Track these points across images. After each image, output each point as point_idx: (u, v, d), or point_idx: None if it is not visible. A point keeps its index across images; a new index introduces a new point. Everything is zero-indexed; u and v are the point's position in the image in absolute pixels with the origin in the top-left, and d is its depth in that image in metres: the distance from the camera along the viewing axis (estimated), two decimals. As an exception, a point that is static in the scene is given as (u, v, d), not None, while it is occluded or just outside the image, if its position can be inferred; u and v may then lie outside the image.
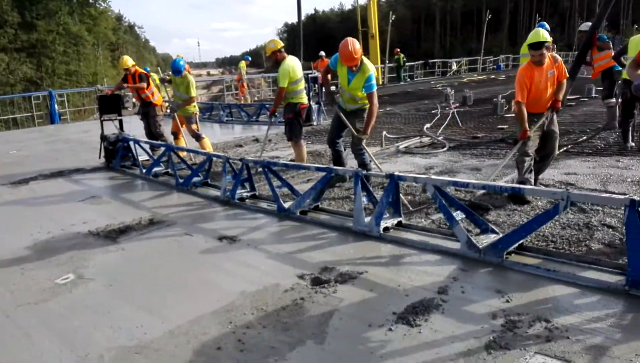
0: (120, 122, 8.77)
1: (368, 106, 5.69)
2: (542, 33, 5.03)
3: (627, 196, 3.03)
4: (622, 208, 3.06)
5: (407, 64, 29.71)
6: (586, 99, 13.78)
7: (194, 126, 8.26)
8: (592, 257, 3.51)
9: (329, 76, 6.12)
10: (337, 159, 6.14)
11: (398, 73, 28.53)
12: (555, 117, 5.40)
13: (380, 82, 28.25)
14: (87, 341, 2.91)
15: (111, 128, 8.54)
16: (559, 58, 5.32)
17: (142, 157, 7.96)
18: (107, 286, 3.68)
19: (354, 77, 5.52)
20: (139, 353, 2.75)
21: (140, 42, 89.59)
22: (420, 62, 34.06)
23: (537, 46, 4.99)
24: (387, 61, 27.78)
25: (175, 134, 8.61)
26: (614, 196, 3.35)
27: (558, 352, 2.47)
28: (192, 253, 4.25)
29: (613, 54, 8.68)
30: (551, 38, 5.17)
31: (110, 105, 8.68)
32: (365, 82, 5.41)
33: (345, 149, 6.22)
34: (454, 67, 34.41)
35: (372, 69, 5.49)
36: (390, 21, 26.18)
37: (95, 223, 5.16)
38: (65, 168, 8.32)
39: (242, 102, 18.71)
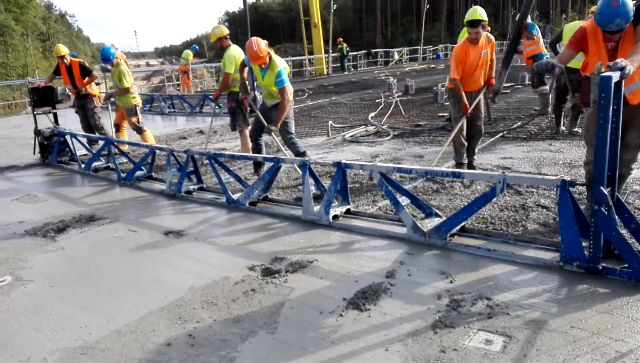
0: (55, 115, 8.34)
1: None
2: (479, 11, 5.31)
3: (559, 176, 3.22)
4: (555, 188, 3.24)
5: (350, 53, 29.94)
6: (520, 87, 14.42)
7: (134, 119, 7.94)
8: (528, 237, 3.72)
9: (247, 69, 6.21)
10: (259, 153, 6.16)
11: (342, 63, 28.72)
12: (482, 99, 5.74)
13: (325, 72, 28.40)
14: (28, 345, 2.78)
15: (45, 122, 8.12)
16: (493, 38, 5.65)
17: (80, 151, 7.64)
18: (48, 287, 3.52)
19: (265, 73, 5.71)
20: (84, 354, 2.67)
21: (73, 31, 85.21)
22: (363, 52, 34.42)
23: (475, 23, 5.27)
24: (331, 51, 27.89)
25: (118, 126, 8.27)
26: (546, 177, 3.55)
27: (499, 328, 2.61)
28: (137, 250, 4.14)
29: (540, 42, 9.21)
30: (487, 18, 5.46)
31: (44, 98, 8.22)
32: (276, 78, 5.60)
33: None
34: (396, 56, 35.02)
35: (281, 65, 5.66)
36: (332, 10, 26.27)
37: (32, 222, 4.92)
38: (-5, 166, 7.84)
39: (186, 93, 18.17)
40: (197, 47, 22.79)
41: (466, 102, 5.52)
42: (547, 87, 9.37)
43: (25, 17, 43.84)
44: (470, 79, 5.58)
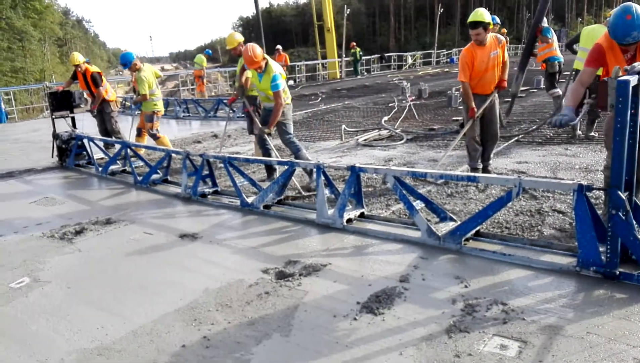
0: (73, 119, 8.48)
1: (287, 102, 6.04)
2: (481, 13, 5.29)
3: (575, 181, 3.19)
4: (571, 192, 3.21)
5: (363, 57, 29.95)
6: (535, 90, 14.29)
7: (149, 125, 8.02)
8: (544, 241, 3.68)
9: (246, 73, 6.61)
10: (265, 153, 6.22)
11: (355, 67, 28.73)
12: (496, 102, 5.67)
13: (338, 76, 28.44)
14: (46, 345, 2.83)
15: (63, 126, 8.25)
16: (503, 39, 5.58)
17: (98, 155, 7.75)
18: (65, 288, 3.57)
19: (262, 78, 5.90)
20: (101, 355, 2.70)
21: (89, 36, 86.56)
22: (377, 56, 34.40)
23: (474, 25, 5.28)
24: (344, 55, 27.92)
25: (140, 130, 8.37)
26: (563, 181, 3.52)
27: (515, 333, 2.59)
28: (152, 252, 4.18)
29: (553, 45, 9.16)
30: (499, 22, 5.42)
31: (62, 102, 8.37)
32: (271, 82, 5.77)
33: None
34: (409, 60, 34.97)
35: (276, 70, 5.82)
36: (346, 15, 26.32)
37: (50, 225, 4.99)
38: (15, 169, 7.98)
39: (200, 98, 18.29)
40: (210, 51, 22.85)
41: (474, 105, 5.47)
42: (559, 90, 9.32)
43: (42, 23, 44.55)
44: (481, 81, 5.51)
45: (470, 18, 5.33)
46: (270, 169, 6.30)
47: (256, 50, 5.77)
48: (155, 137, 8.05)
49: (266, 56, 5.90)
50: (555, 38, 9.46)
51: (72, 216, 5.27)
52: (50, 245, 4.48)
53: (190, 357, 2.62)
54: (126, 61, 7.99)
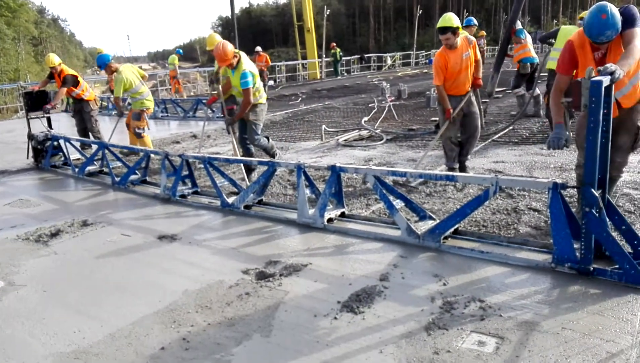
0: (49, 119, 8.33)
1: (260, 101, 6.18)
2: (449, 17, 5.40)
3: (550, 179, 3.26)
4: (546, 191, 3.28)
5: (343, 58, 30.03)
6: (510, 92, 14.48)
7: (135, 123, 7.87)
8: (521, 239, 3.75)
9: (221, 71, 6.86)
10: (249, 155, 6.39)
11: (335, 67, 28.78)
12: (473, 98, 5.80)
13: (318, 77, 28.46)
14: (21, 349, 2.77)
15: (39, 127, 8.09)
16: (473, 38, 5.75)
17: (74, 155, 7.62)
18: (40, 291, 3.50)
19: (234, 74, 6.06)
20: (78, 358, 2.66)
21: (65, 36, 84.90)
22: (356, 56, 34.53)
23: (443, 30, 5.40)
24: (324, 56, 27.96)
25: (129, 126, 8.19)
26: (538, 180, 3.59)
27: (492, 330, 2.63)
28: (130, 254, 4.13)
29: (527, 47, 9.52)
30: (476, 24, 5.57)
31: (38, 102, 8.22)
32: (241, 79, 5.92)
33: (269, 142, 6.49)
34: (389, 61, 35.17)
35: (247, 68, 5.95)
36: (326, 15, 26.37)
37: (25, 227, 4.89)
38: (-13, 170, 7.79)
39: (178, 98, 18.14)
40: (182, 50, 22.77)
41: (450, 106, 5.58)
42: (522, 89, 9.60)
43: (17, 22, 43.55)
44: (455, 82, 5.62)
45: (439, 24, 5.43)
46: (249, 169, 6.31)
47: (227, 47, 5.88)
48: (139, 135, 7.91)
49: (240, 53, 6.01)
50: (529, 39, 9.72)
51: (47, 218, 5.18)
52: (25, 247, 4.39)
53: (169, 359, 2.59)
54: (101, 63, 7.95)
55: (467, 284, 3.16)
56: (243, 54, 6.09)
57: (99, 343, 2.79)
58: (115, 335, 2.85)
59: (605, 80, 2.92)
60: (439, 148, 6.90)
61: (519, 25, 9.43)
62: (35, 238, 4.56)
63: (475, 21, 9.91)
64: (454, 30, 5.37)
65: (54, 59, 8.65)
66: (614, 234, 3.11)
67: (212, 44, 7.04)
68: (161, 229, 4.62)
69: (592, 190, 3.00)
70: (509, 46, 9.65)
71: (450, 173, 4.05)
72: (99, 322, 3.02)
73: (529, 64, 9.59)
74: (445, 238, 3.79)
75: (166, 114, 14.23)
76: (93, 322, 3.02)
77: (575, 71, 3.83)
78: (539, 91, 9.59)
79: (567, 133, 3.75)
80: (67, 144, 7.59)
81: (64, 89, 8.46)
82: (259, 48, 18.83)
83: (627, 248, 3.12)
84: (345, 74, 30.10)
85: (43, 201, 6.00)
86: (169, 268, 3.77)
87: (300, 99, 16.87)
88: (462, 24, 6.16)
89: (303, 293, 3.20)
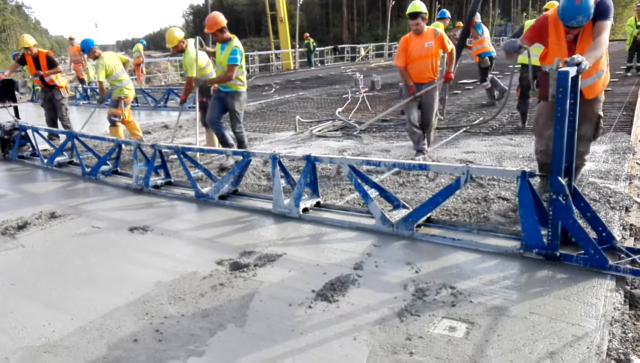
0: (16, 109, 8.09)
1: (242, 88, 6.24)
2: (418, 4, 5.87)
3: (519, 168, 3.34)
4: (515, 179, 3.36)
5: (317, 49, 29.95)
6: (480, 84, 14.71)
7: (112, 110, 7.56)
8: (491, 226, 3.83)
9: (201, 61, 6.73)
10: (222, 137, 6.38)
11: (309, 58, 28.73)
12: (433, 91, 6.18)
13: (292, 67, 28.33)
14: (-13, 345, 2.70)
15: (5, 116, 7.84)
16: (440, 31, 6.12)
17: (43, 146, 7.42)
18: (8, 285, 3.42)
19: (223, 49, 6.07)
20: (48, 352, 2.61)
21: (30, 23, 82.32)
22: (330, 47, 34.50)
23: (414, 15, 5.89)
24: (298, 46, 27.82)
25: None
26: (508, 168, 3.68)
27: (462, 315, 2.69)
28: (101, 246, 4.05)
29: (485, 42, 10.04)
30: (449, 16, 6.03)
31: (4, 91, 7.96)
32: (230, 54, 5.95)
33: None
34: (362, 52, 35.25)
35: (238, 45, 6.01)
36: (299, 5, 26.21)
37: (-11, 220, 4.75)
38: (-52, 162, 7.52)
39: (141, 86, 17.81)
40: (145, 42, 22.58)
41: (412, 84, 6.02)
42: (489, 83, 9.94)
43: (-22, 8, 42.01)
44: (415, 69, 6.03)
45: (409, 9, 5.89)
46: (225, 144, 6.35)
47: (220, 16, 5.95)
48: (113, 123, 7.60)
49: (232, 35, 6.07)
50: (487, 34, 10.19)
51: (14, 210, 5.03)
52: (-10, 241, 4.27)
53: (142, 351, 2.57)
54: (85, 47, 7.70)
55: (439, 271, 3.22)
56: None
57: (69, 336, 2.74)
58: (86, 328, 2.81)
59: (572, 70, 3.00)
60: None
61: (478, 19, 9.68)
62: (1, 231, 4.44)
63: (448, 14, 10.05)
64: (423, 16, 5.85)
65: (29, 39, 8.39)
66: (580, 221, 3.21)
67: (172, 41, 6.80)
68: (133, 220, 4.55)
69: (559, 178, 3.08)
70: (468, 38, 9.97)
71: (424, 163, 4.11)
72: (69, 315, 2.96)
73: (487, 57, 9.99)
74: (418, 226, 3.85)
75: (136, 104, 13.95)
76: (63, 315, 2.97)
77: (544, 51, 3.94)
78: (490, 84, 10.00)
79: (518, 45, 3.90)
80: (35, 134, 7.39)
81: (60, 67, 8.27)
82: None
83: (592, 234, 3.23)
84: (319, 64, 30.08)
85: (10, 192, 5.83)
86: (142, 260, 3.73)
87: (273, 89, 16.78)
88: (435, 17, 6.51)
89: (278, 283, 3.21)
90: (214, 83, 6.19)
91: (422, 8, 5.86)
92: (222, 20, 5.97)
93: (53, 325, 2.86)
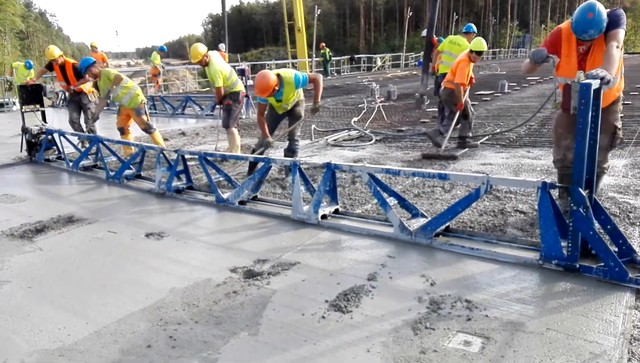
0: (43, 113, 8.26)
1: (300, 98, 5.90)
2: (485, 43, 7.06)
3: (540, 179, 3.30)
4: (536, 190, 3.33)
5: (333, 58, 30.07)
6: (500, 94, 14.64)
7: (144, 118, 7.56)
8: (510, 237, 3.80)
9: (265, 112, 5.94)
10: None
11: (325, 67, 28.81)
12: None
13: (308, 77, 28.41)
14: (5, 347, 2.73)
15: (17, 121, 8.00)
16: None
17: (69, 149, 7.55)
18: (25, 288, 3.46)
19: (282, 93, 5.50)
20: (62, 355, 2.62)
21: (53, 30, 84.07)
22: (347, 57, 34.60)
23: (480, 53, 7.05)
24: (314, 55, 27.97)
25: (122, 129, 7.79)
26: (528, 179, 3.66)
27: (478, 330, 2.64)
28: (118, 251, 4.08)
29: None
30: (475, 31, 6.80)
31: (32, 95, 8.13)
32: (296, 85, 5.45)
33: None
34: (379, 62, 35.29)
35: (290, 74, 5.47)
36: (316, 15, 26.38)
37: (9, 223, 4.82)
38: (-29, 166, 7.67)
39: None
40: (165, 47, 22.28)
41: (462, 101, 7.08)
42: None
43: (3, 15, 43.02)
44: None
45: (480, 48, 6.98)
46: (253, 165, 5.98)
47: (270, 76, 5.23)
48: (151, 128, 7.59)
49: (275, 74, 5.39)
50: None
51: (32, 213, 5.11)
52: (9, 243, 4.33)
53: (155, 357, 2.57)
54: (81, 67, 7.74)
55: (455, 283, 3.17)
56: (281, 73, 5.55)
57: (84, 340, 2.76)
58: (100, 333, 2.82)
59: (595, 83, 2.97)
60: (417, 148, 6.95)
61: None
62: (20, 234, 4.50)
63: (474, 28, 9.87)
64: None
65: (54, 51, 8.61)
66: (600, 233, 3.15)
67: (197, 57, 7.06)
68: (151, 224, 4.59)
69: (580, 189, 3.04)
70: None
71: (444, 172, 4.09)
72: (85, 319, 2.98)
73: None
74: (437, 235, 3.83)
75: (154, 111, 14.13)
76: (78, 319, 2.99)
77: (558, 63, 3.94)
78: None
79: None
80: (62, 138, 7.54)
81: (88, 77, 8.13)
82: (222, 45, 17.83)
83: (613, 247, 3.17)
84: (335, 74, 30.16)
85: (32, 195, 5.94)
86: (157, 266, 3.74)
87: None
88: (453, 28, 6.69)
89: (291, 292, 3.19)
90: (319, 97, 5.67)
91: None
92: (274, 78, 5.28)
93: (68, 329, 2.87)
